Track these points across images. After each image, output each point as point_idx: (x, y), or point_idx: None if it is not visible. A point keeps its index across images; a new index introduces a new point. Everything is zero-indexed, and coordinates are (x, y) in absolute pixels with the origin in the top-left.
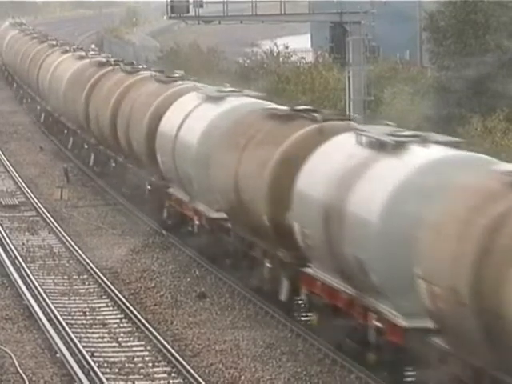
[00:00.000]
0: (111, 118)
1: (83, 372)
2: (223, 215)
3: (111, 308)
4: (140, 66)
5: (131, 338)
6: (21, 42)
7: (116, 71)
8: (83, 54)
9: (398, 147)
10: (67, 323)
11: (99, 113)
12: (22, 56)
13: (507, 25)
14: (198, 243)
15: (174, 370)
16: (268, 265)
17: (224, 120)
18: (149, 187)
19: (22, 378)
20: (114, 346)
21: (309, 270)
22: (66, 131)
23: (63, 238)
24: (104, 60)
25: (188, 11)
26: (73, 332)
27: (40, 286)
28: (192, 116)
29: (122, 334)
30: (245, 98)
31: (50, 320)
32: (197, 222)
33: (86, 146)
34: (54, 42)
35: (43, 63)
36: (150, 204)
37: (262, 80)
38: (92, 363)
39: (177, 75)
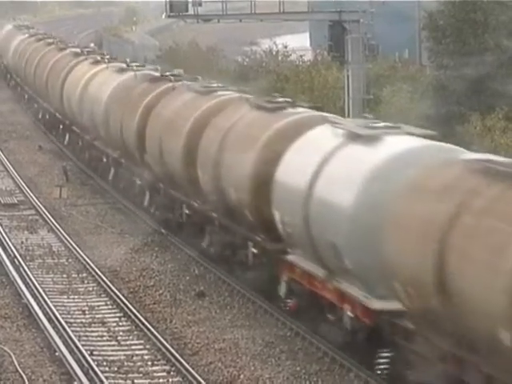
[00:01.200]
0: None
1: (82, 371)
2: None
3: (110, 307)
4: (214, 85)
5: (130, 337)
6: (33, 48)
7: (181, 89)
8: (123, 65)
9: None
10: (66, 322)
11: (169, 145)
12: (36, 66)
13: (506, 24)
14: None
15: (173, 368)
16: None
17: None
18: (254, 250)
19: (22, 376)
20: (113, 345)
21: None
22: (104, 159)
23: (62, 237)
24: (156, 73)
25: (187, 10)
26: (72, 331)
27: (39, 284)
28: (333, 162)
29: (121, 333)
30: (408, 138)
31: (49, 319)
32: (349, 314)
33: (138, 182)
34: (79, 50)
35: (68, 77)
36: (257, 273)
37: (261, 79)
38: (91, 362)
39: (281, 99)
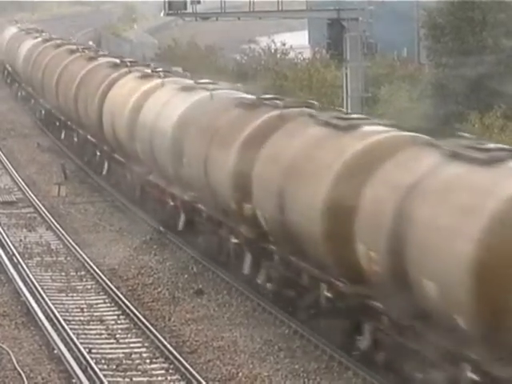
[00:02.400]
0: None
1: (81, 368)
2: None
3: (109, 304)
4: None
5: (129, 335)
6: (51, 56)
7: (298, 121)
8: (187, 80)
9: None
10: (65, 320)
11: (263, 175)
12: (58, 79)
13: (504, 22)
14: None
15: (172, 366)
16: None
17: None
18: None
19: (20, 374)
20: (112, 343)
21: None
22: (171, 202)
23: (61, 235)
24: (240, 94)
25: (185, 8)
26: (70, 329)
27: (37, 282)
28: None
29: (119, 331)
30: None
31: (47, 317)
32: None
33: (234, 241)
34: (117, 60)
35: (109, 95)
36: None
37: (259, 77)
38: (89, 360)
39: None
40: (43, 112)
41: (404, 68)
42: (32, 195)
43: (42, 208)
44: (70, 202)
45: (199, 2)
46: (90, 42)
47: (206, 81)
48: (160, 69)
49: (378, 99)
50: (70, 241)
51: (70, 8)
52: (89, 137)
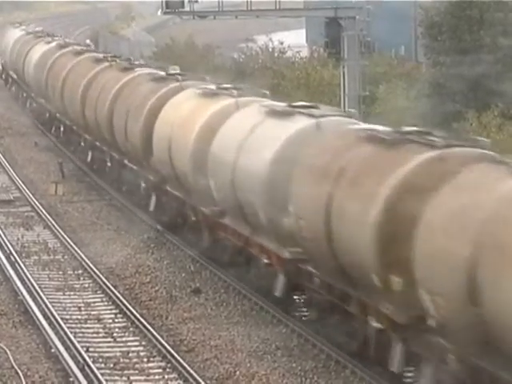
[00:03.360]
0: None
1: (78, 367)
2: None
3: (106, 303)
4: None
5: (126, 333)
6: (73, 65)
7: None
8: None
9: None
10: (62, 318)
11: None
12: (84, 90)
13: (502, 21)
14: None
15: (169, 365)
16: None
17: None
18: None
19: (17, 373)
20: (109, 341)
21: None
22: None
23: (58, 234)
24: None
25: (183, 6)
26: (68, 327)
27: (35, 281)
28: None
29: (116, 329)
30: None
31: (44, 315)
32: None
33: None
34: (162, 73)
35: (161, 114)
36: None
37: (257, 76)
38: (87, 358)
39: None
40: (62, 129)
41: (401, 66)
42: (29, 194)
43: (40, 207)
44: (67, 201)
45: (196, 1)
46: (88, 41)
47: (301, 104)
48: (228, 85)
49: (376, 98)
50: (68, 239)
51: (67, 7)
52: (127, 162)
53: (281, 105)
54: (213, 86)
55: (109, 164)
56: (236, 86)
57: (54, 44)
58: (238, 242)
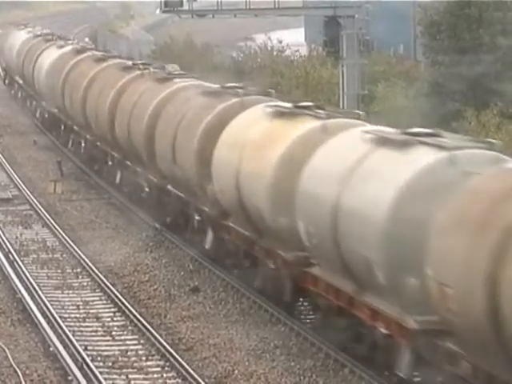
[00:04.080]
0: None
1: (77, 366)
2: None
3: (105, 302)
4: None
5: (125, 332)
6: (97, 73)
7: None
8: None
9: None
10: (61, 317)
11: None
12: (112, 102)
13: (501, 20)
14: None
15: (168, 363)
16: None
17: None
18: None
19: (16, 371)
20: (108, 340)
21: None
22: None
23: (57, 232)
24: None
25: (182, 5)
26: (66, 326)
27: (33, 279)
28: None
29: (115, 328)
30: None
31: (43, 314)
32: None
33: None
34: (212, 86)
35: (223, 136)
36: None
37: (256, 74)
38: (85, 357)
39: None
40: (83, 144)
41: (400, 65)
42: (28, 192)
43: (38, 205)
44: (66, 199)
45: (195, 0)
46: (87, 39)
47: (422, 131)
48: (307, 103)
49: (375, 97)
50: (66, 238)
51: (65, 5)
52: (170, 188)
53: (392, 132)
54: (287, 104)
55: (146, 189)
56: (319, 104)
57: (68, 48)
58: (335, 301)
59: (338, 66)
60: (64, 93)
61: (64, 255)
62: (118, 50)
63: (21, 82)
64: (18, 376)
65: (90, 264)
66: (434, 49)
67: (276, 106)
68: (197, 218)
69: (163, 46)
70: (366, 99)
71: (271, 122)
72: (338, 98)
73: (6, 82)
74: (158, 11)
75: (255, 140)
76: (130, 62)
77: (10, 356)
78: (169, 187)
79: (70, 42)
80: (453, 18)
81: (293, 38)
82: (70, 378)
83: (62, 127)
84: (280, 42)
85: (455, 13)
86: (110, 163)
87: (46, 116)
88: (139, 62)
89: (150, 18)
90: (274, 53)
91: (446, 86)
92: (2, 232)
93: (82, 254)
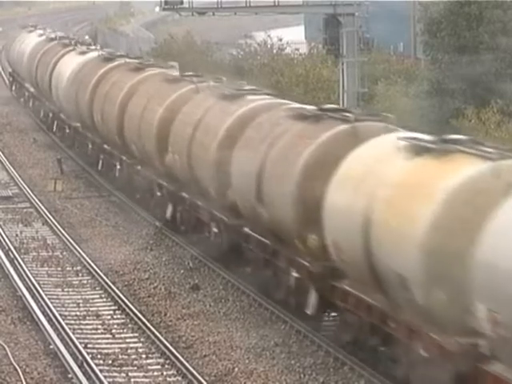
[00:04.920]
0: None
1: (77, 363)
2: None
3: (105, 299)
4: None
5: (125, 330)
6: (135, 85)
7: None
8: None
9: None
10: (61, 315)
11: None
12: (161, 120)
13: (501, 18)
14: None
15: (168, 361)
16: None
17: None
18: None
19: (16, 369)
20: (108, 338)
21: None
22: None
23: (57, 230)
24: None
25: (182, 3)
26: (66, 323)
27: (33, 277)
28: None
29: (115, 326)
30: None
31: (43, 312)
32: None
33: None
34: (316, 111)
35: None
36: None
37: (255, 72)
38: (85, 355)
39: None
40: (118, 166)
41: (400, 63)
42: (28, 190)
43: (39, 203)
44: (66, 197)
45: None
46: (87, 37)
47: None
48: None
49: (375, 94)
50: (66, 236)
51: (66, 3)
52: (248, 231)
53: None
54: (425, 136)
55: (215, 229)
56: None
57: (93, 55)
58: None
59: (337, 63)
60: (92, 107)
61: (64, 253)
62: (118, 48)
63: (32, 89)
64: (18, 374)
65: (89, 262)
66: (434, 47)
67: (414, 139)
68: (295, 275)
69: (163, 44)
70: (366, 97)
71: (412, 160)
72: (337, 96)
73: (14, 88)
74: (157, 9)
75: (395, 184)
76: (175, 72)
77: (10, 354)
78: (247, 230)
79: (93, 47)
80: (453, 16)
81: (293, 36)
82: (69, 375)
83: (90, 145)
84: (280, 39)
85: (455, 11)
86: (158, 194)
87: (68, 131)
88: (190, 74)
89: (149, 16)
90: (274, 51)
91: (446, 84)
92: (2, 230)
93: (82, 252)
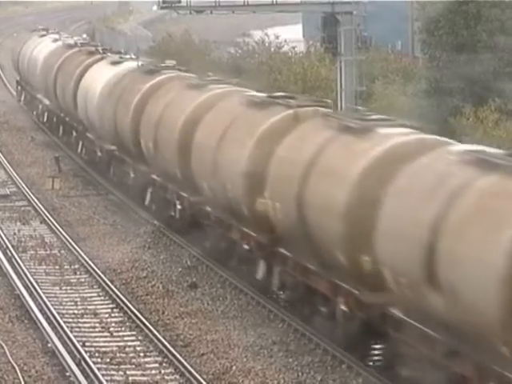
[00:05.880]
0: None
1: (74, 362)
2: None
3: (102, 298)
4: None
5: (122, 328)
6: (189, 107)
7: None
8: None
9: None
10: (58, 313)
11: None
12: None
13: (499, 16)
14: None
15: (166, 359)
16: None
17: None
18: None
19: (14, 367)
20: (106, 336)
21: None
22: None
23: (55, 228)
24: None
25: (179, 1)
26: (64, 322)
27: (31, 275)
28: None
29: (113, 324)
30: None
31: (41, 310)
32: None
33: None
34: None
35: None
36: None
37: (253, 71)
38: (83, 353)
39: None
40: (180, 207)
41: (398, 61)
42: (26, 188)
43: (36, 201)
44: (64, 196)
45: None
46: (84, 35)
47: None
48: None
49: (373, 93)
50: (64, 234)
51: (64, 2)
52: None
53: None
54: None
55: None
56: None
57: (130, 65)
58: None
59: (335, 62)
60: (139, 130)
61: (62, 251)
62: (116, 46)
63: (47, 102)
64: (16, 372)
65: (87, 260)
66: (432, 45)
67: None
68: None
69: (161, 43)
70: (364, 95)
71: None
72: (335, 95)
73: (22, 98)
74: (155, 8)
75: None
76: (253, 92)
77: (7, 352)
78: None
79: (128, 56)
80: (451, 15)
81: (291, 35)
82: (67, 374)
83: (131, 174)
84: (277, 37)
85: (453, 9)
86: (245, 247)
87: (100, 154)
88: (280, 93)
89: (147, 14)
90: (272, 49)
91: (444, 83)
92: (0, 228)
93: (79, 251)
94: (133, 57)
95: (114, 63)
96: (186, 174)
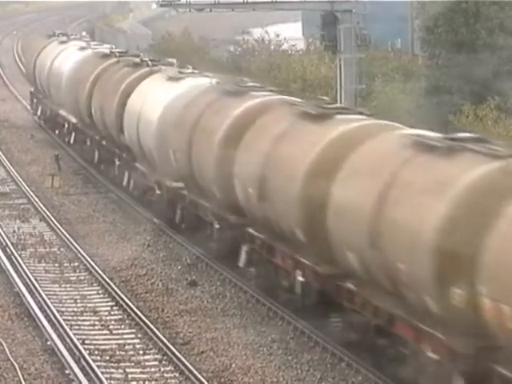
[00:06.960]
0: None
1: (74, 359)
2: None
3: (102, 295)
4: None
5: (122, 326)
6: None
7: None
8: None
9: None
10: (58, 311)
11: None
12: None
13: (498, 14)
14: None
15: (165, 357)
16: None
17: None
18: None
19: (13, 365)
20: (105, 334)
21: None
22: None
23: (54, 226)
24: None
25: None
26: (64, 319)
27: (31, 273)
28: None
29: (112, 322)
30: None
31: (40, 308)
32: None
33: None
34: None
35: None
36: None
37: (253, 68)
38: (83, 350)
39: None
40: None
41: (398, 59)
42: (26, 186)
43: (36, 199)
44: (63, 193)
45: None
46: (84, 33)
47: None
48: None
49: (372, 91)
50: (64, 232)
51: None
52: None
53: None
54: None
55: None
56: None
57: (197, 83)
58: None
59: (335, 60)
60: (232, 170)
61: (61, 249)
62: (116, 44)
63: (74, 121)
64: (16, 370)
65: (87, 258)
66: (432, 43)
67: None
68: None
69: (161, 41)
70: (364, 93)
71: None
72: (335, 93)
73: (39, 113)
74: (154, 6)
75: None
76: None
77: (7, 350)
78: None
79: (190, 70)
80: (450, 13)
81: (290, 32)
82: (67, 371)
83: (215, 224)
84: (277, 35)
85: (452, 7)
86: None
87: (158, 192)
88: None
89: (147, 12)
90: (272, 47)
91: (444, 81)
92: (0, 226)
93: (79, 248)
94: (195, 71)
95: (173, 79)
96: (314, 235)
